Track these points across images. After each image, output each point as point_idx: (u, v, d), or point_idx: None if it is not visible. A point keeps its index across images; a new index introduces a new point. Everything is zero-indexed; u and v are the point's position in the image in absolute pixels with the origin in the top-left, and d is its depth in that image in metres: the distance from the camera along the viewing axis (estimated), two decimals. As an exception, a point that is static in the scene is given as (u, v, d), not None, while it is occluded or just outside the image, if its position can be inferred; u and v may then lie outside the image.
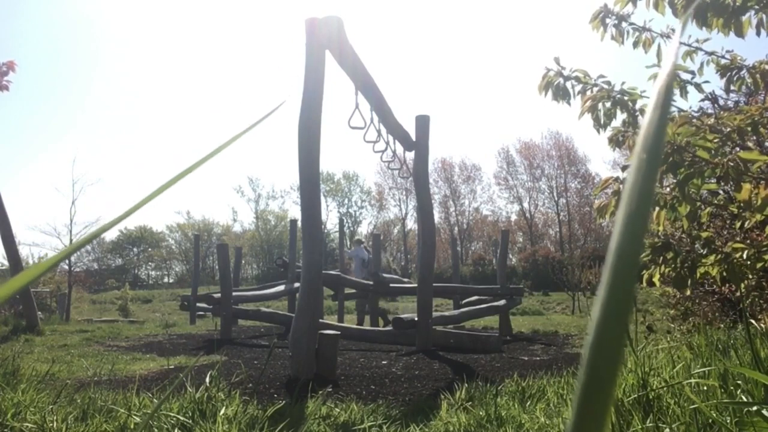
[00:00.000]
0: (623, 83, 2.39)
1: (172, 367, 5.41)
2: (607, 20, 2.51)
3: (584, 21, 2.56)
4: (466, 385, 3.70)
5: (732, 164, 1.84)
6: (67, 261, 22.67)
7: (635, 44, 2.53)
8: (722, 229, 4.84)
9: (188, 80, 60.52)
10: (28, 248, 38.47)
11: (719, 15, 2.19)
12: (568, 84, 2.44)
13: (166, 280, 46.34)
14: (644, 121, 0.23)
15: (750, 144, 2.09)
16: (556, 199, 42.97)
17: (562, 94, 2.43)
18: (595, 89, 2.40)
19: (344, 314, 12.39)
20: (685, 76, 2.49)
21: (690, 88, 2.51)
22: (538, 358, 6.28)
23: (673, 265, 2.26)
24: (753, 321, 3.57)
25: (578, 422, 0.19)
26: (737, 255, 2.19)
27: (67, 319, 13.76)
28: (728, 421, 1.69)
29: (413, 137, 7.28)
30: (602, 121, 2.34)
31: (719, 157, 1.91)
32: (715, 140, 1.94)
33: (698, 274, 2.27)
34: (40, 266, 0.22)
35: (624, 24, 2.52)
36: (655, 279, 2.35)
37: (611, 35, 2.54)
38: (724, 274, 2.21)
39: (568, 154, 42.74)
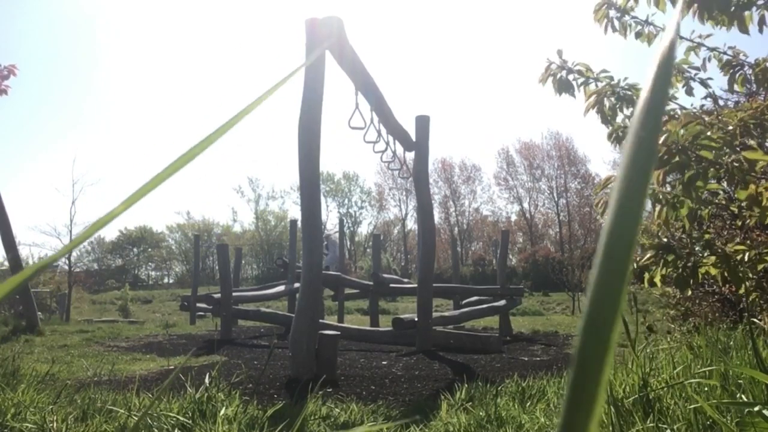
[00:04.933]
0: (626, 78, 2.38)
1: (172, 367, 5.40)
2: (610, 13, 2.50)
3: (584, 22, 2.57)
4: (466, 385, 3.69)
5: (737, 164, 1.83)
6: (67, 261, 22.61)
7: (638, 35, 2.52)
8: (722, 230, 4.84)
9: (188, 80, 60.55)
10: (28, 248, 38.38)
11: (722, 11, 2.18)
12: (571, 77, 2.43)
13: (166, 280, 46.28)
14: (642, 95, 0.20)
15: (752, 143, 2.08)
16: (556, 199, 42.94)
17: (564, 87, 2.42)
18: (598, 84, 2.39)
19: (344, 314, 12.39)
20: (690, 72, 2.48)
21: (695, 84, 2.50)
22: (538, 359, 6.28)
23: (674, 266, 2.25)
24: (754, 320, 3.56)
25: (567, 423, 0.18)
26: (738, 257, 2.18)
27: (67, 320, 13.74)
28: (729, 422, 1.68)
29: (413, 137, 7.28)
30: (609, 117, 2.33)
31: (723, 157, 1.90)
32: (719, 139, 1.93)
33: (699, 275, 2.26)
34: (40, 264, 0.21)
35: (626, 17, 2.51)
36: (657, 279, 2.35)
37: (614, 27, 2.53)
38: (725, 274, 2.20)
39: (568, 155, 42.71)
